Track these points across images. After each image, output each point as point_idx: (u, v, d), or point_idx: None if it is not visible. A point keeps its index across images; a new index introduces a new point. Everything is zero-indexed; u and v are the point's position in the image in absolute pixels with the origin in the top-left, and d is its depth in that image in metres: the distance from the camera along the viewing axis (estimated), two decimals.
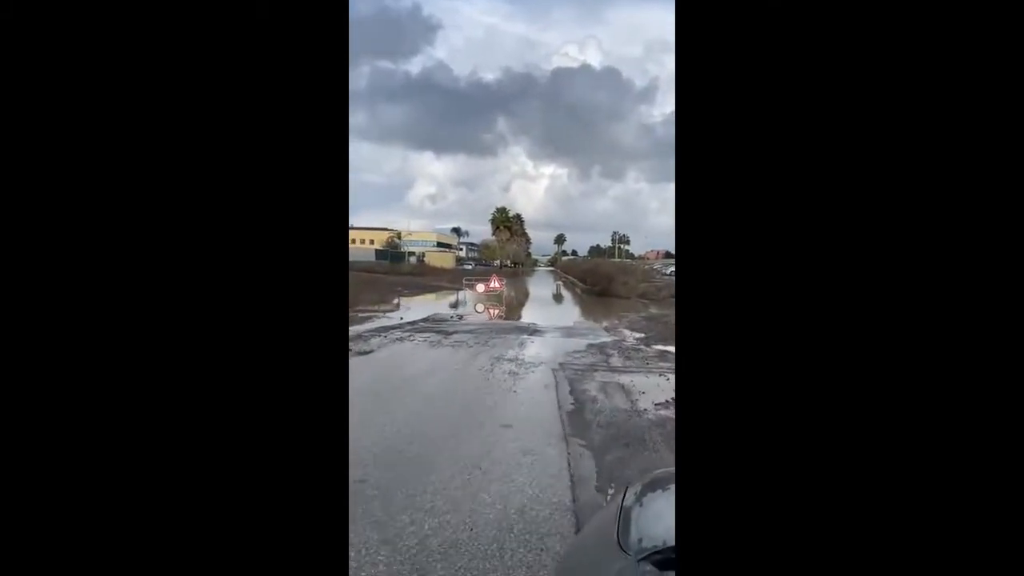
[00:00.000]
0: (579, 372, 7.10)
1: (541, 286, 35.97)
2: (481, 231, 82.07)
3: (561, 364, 7.57)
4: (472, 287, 22.09)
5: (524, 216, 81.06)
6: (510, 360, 7.77)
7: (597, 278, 26.00)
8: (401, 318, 13.43)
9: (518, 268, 69.01)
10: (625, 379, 6.76)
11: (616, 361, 8.04)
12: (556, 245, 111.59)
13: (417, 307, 17.85)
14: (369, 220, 64.06)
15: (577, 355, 8.40)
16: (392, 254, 53.21)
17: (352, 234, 59.01)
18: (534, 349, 8.93)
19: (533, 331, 11.24)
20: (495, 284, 21.66)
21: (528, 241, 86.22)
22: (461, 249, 79.06)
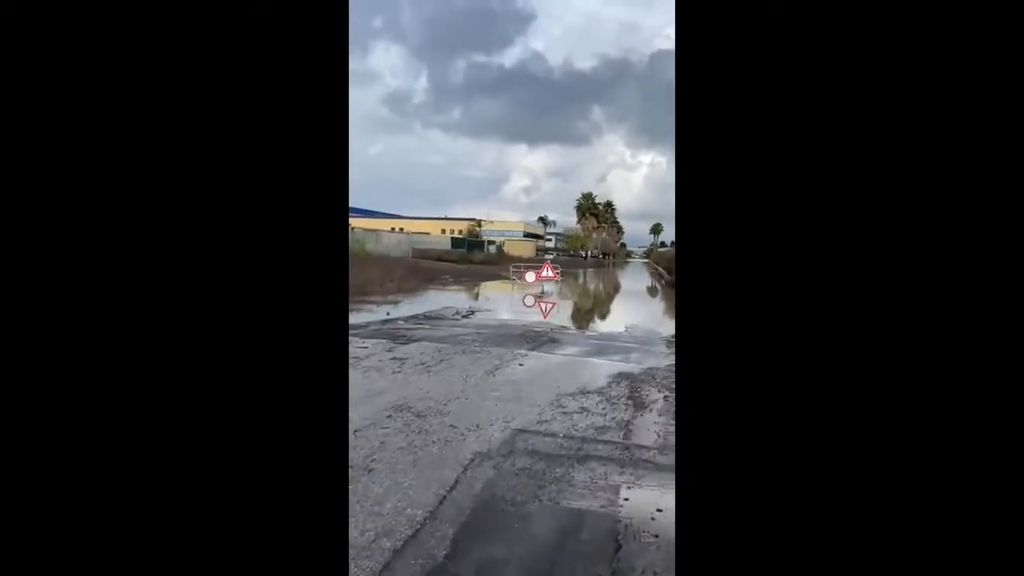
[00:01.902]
0: (540, 468, 2.93)
1: (625, 279, 31.09)
2: (574, 222, 78.13)
3: (520, 434, 3.44)
4: (520, 277, 18.18)
5: (620, 206, 75.26)
6: (418, 417, 3.75)
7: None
8: (387, 313, 9.90)
9: (607, 259, 63.82)
10: (653, 501, 2.51)
11: (649, 424, 3.72)
12: (652, 235, 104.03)
13: (435, 299, 14.19)
14: (465, 213, 63.72)
15: (578, 404, 4.19)
16: (470, 243, 50.77)
17: (434, 224, 57.99)
18: (509, 378, 4.84)
19: (546, 341, 7.10)
20: (548, 273, 17.59)
21: (620, 230, 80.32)
22: (550, 239, 75.47)
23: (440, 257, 33.57)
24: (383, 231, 35.29)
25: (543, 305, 14.26)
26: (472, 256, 40.15)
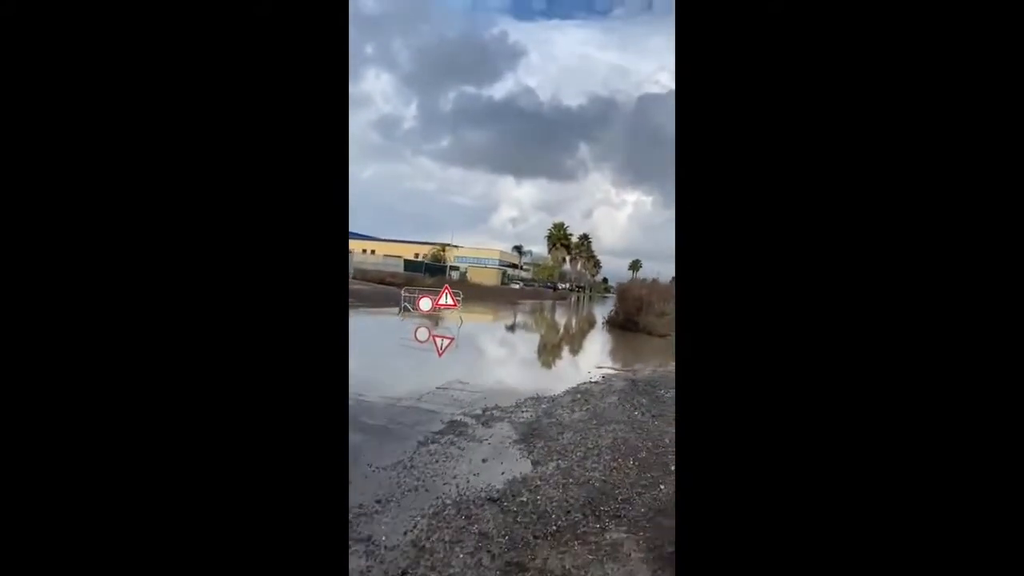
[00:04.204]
0: None
1: (573, 314, 27.79)
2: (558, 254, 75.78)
3: None
4: (415, 304, 14.83)
5: (606, 242, 73.24)
6: None
7: (626, 304, 17.68)
8: None
9: (580, 292, 60.80)
10: None
11: None
12: (631, 272, 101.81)
13: None
14: (453, 239, 62.81)
15: None
16: (428, 266, 47.73)
17: (409, 248, 54.95)
18: None
19: None
20: (446, 300, 14.32)
21: (597, 264, 77.80)
22: (528, 270, 72.95)
23: (383, 280, 30.92)
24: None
25: (439, 341, 11.24)
26: (423, 280, 37.32)
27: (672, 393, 6.34)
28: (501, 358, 10.46)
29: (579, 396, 5.96)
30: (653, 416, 5.14)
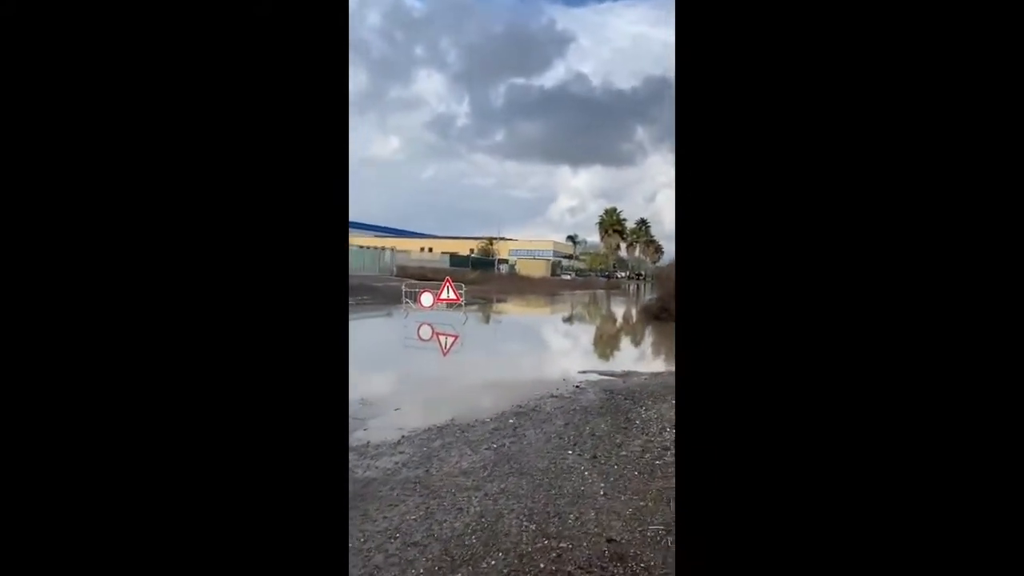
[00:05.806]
0: None
1: (606, 306, 25.54)
2: (614, 242, 73.24)
3: None
4: (416, 298, 13.45)
5: (671, 227, 69.34)
6: None
7: (662, 290, 15.46)
8: None
9: (639, 279, 57.73)
10: None
11: None
12: None
13: None
14: (513, 234, 62.72)
15: None
16: (475, 261, 46.87)
17: (464, 244, 54.48)
18: None
19: None
20: (449, 294, 12.84)
21: (658, 249, 74.05)
22: (583, 259, 70.91)
23: (425, 276, 30.35)
24: (377, 248, 32.88)
25: (442, 339, 10.00)
26: (465, 275, 36.44)
27: (651, 412, 4.44)
28: (489, 359, 8.82)
29: (512, 420, 4.20)
30: (592, 457, 3.32)
